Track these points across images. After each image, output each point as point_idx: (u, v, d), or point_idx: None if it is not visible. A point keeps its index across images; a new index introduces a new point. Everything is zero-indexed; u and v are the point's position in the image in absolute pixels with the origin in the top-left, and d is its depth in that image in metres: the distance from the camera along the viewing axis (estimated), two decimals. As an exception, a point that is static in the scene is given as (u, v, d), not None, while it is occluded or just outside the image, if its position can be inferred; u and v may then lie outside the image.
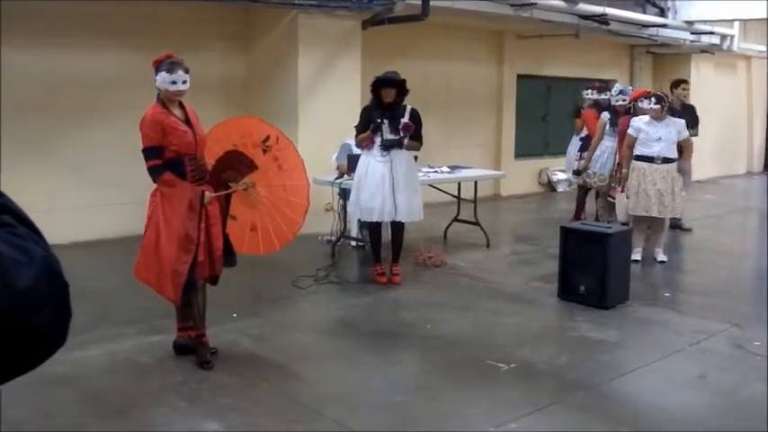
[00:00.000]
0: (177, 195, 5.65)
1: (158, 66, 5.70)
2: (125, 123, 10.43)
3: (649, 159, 9.40)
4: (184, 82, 5.71)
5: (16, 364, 1.09)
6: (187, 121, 5.78)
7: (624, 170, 9.69)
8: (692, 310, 7.90)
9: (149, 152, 5.67)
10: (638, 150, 9.50)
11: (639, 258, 9.64)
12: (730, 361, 6.42)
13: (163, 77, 5.66)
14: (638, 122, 9.58)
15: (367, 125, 8.25)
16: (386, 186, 8.22)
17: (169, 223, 5.65)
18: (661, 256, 9.84)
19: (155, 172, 5.67)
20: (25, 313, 1.03)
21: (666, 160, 9.37)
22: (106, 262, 9.35)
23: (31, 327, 1.06)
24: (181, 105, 5.85)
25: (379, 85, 8.23)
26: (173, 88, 5.68)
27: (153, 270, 5.80)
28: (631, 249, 8.86)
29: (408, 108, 8.33)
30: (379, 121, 8.17)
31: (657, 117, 9.44)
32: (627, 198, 9.57)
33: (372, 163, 8.30)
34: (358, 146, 8.57)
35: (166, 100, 5.75)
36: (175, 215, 5.64)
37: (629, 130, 9.62)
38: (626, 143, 9.69)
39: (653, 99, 9.50)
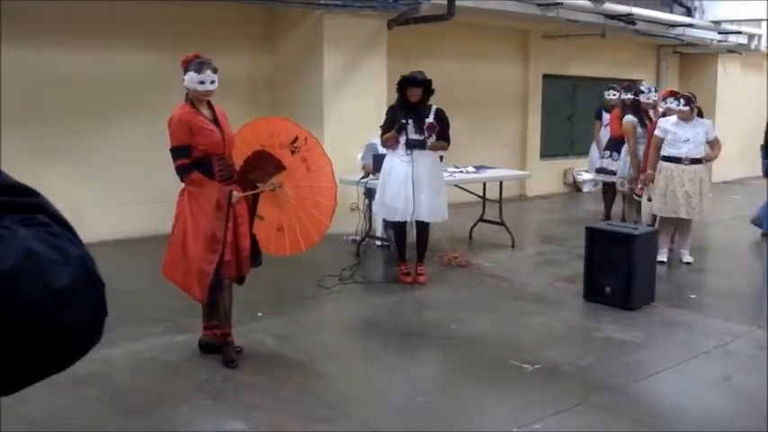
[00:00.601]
0: (205, 195, 5.68)
1: (187, 65, 5.71)
2: (151, 123, 10.51)
3: (677, 160, 9.35)
4: (212, 82, 5.72)
5: (53, 362, 1.10)
6: (215, 121, 5.79)
7: (649, 171, 9.62)
8: (718, 311, 7.86)
9: (177, 151, 5.69)
10: (665, 151, 9.44)
11: (665, 260, 9.57)
12: (755, 363, 6.36)
13: (191, 77, 5.67)
14: (666, 123, 9.52)
15: (392, 125, 8.25)
16: (408, 186, 8.22)
17: (196, 222, 5.68)
18: (687, 258, 9.78)
19: (182, 171, 5.70)
20: (62, 312, 1.05)
21: (694, 161, 9.33)
22: (132, 261, 9.41)
23: (68, 325, 1.07)
24: (209, 105, 5.87)
25: (404, 84, 8.23)
26: (201, 88, 5.68)
27: (179, 269, 5.83)
28: (657, 251, 8.81)
29: (433, 108, 8.32)
30: (403, 121, 8.17)
31: (686, 118, 9.38)
32: (649, 200, 9.53)
33: (397, 162, 8.30)
34: (383, 145, 8.58)
35: (195, 100, 5.77)
36: (202, 214, 5.67)
37: (657, 131, 9.56)
38: (653, 144, 9.62)
39: (681, 100, 9.44)
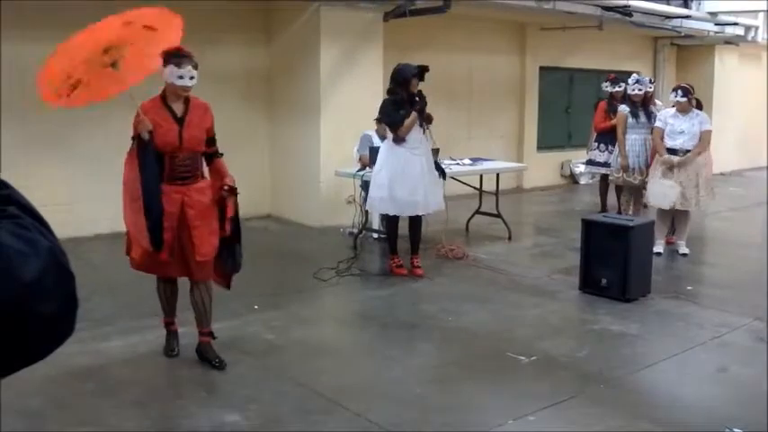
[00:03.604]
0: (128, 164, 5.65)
1: (167, 58, 5.55)
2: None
3: (672, 152, 9.43)
4: (192, 78, 5.58)
5: (24, 354, 1.10)
6: (181, 119, 5.65)
7: (664, 157, 9.58)
8: (714, 303, 7.87)
9: (133, 139, 5.68)
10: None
11: (661, 251, 9.59)
12: (751, 354, 6.39)
13: (171, 71, 5.54)
14: (665, 115, 9.62)
15: (397, 116, 8.16)
16: (424, 178, 8.23)
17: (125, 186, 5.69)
18: (683, 249, 9.81)
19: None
20: (32, 304, 1.05)
21: (689, 152, 9.37)
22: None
23: (38, 318, 1.07)
24: (186, 100, 5.72)
25: (412, 75, 8.15)
26: (179, 83, 5.56)
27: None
28: (653, 242, 8.81)
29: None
30: (417, 105, 8.11)
31: (683, 110, 9.45)
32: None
33: (408, 156, 8.24)
34: (400, 135, 8.25)
35: (170, 94, 5.66)
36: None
37: (657, 123, 9.68)
38: (655, 134, 9.71)
39: (679, 92, 9.48)
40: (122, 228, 10.16)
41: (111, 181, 10.45)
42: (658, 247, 9.49)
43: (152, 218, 5.45)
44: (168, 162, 5.62)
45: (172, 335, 6.12)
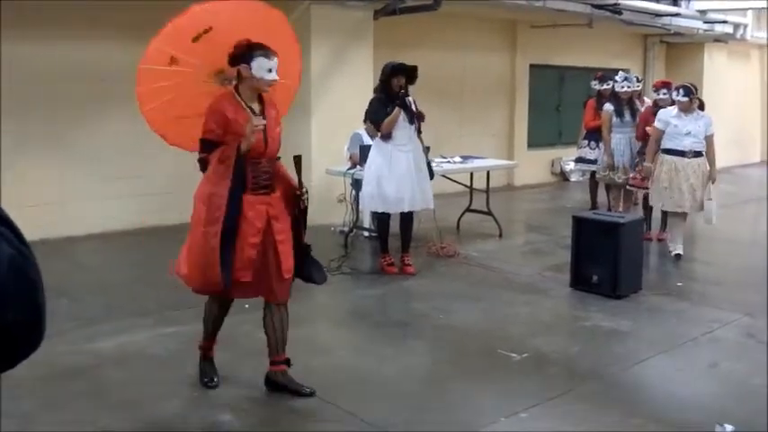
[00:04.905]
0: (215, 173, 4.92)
1: (250, 51, 4.94)
2: (137, 116, 10.45)
3: (681, 153, 9.15)
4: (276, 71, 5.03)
5: None
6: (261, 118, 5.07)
7: (647, 164, 9.44)
8: (705, 299, 7.90)
9: (203, 144, 5.00)
10: (666, 144, 9.22)
11: (681, 252, 9.48)
12: (742, 350, 6.41)
13: (260, 64, 4.92)
14: (666, 115, 9.31)
15: (381, 113, 8.17)
16: (412, 175, 8.23)
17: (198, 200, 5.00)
18: (678, 250, 9.55)
19: (202, 164, 5.04)
20: None
21: (697, 154, 9.15)
22: (118, 253, 9.40)
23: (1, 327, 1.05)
24: (260, 98, 5.14)
25: (395, 72, 8.15)
26: (269, 77, 4.96)
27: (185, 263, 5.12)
28: (643, 240, 8.80)
29: (411, 98, 8.31)
30: (398, 101, 8.09)
31: (685, 109, 9.17)
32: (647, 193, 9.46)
33: (395, 153, 8.26)
34: (383, 131, 8.26)
35: (248, 90, 5.05)
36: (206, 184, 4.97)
37: (657, 123, 9.35)
38: (653, 136, 9.40)
39: (681, 91, 9.21)
40: (118, 227, 10.15)
41: (101, 180, 10.52)
42: (679, 249, 9.45)
43: (226, 251, 4.87)
44: (251, 170, 4.99)
45: (209, 362, 5.53)
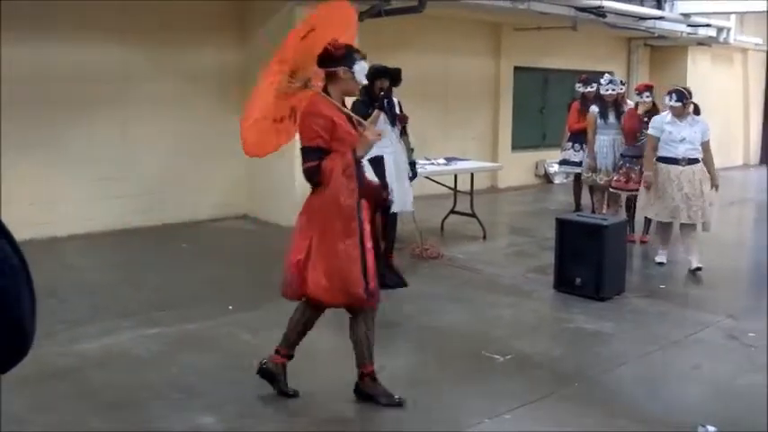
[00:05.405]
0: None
1: (351, 54, 4.83)
2: (125, 118, 10.46)
3: (674, 161, 8.81)
4: None
5: None
6: (352, 122, 4.97)
7: (646, 173, 9.00)
8: (688, 301, 7.95)
9: (309, 153, 4.83)
10: (660, 151, 8.90)
11: (665, 261, 9.37)
12: (725, 352, 6.44)
13: (362, 67, 4.85)
14: (660, 121, 8.95)
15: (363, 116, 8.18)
16: (393, 177, 8.23)
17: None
18: (695, 263, 9.07)
19: (312, 174, 4.91)
20: None
21: (692, 161, 8.80)
22: (102, 254, 9.36)
23: None
24: (343, 99, 5.04)
25: (375, 75, 8.15)
26: (364, 81, 4.96)
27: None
28: (626, 243, 8.82)
29: (396, 100, 8.33)
30: (378, 103, 8.09)
31: (679, 115, 8.78)
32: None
33: (375, 154, 8.25)
34: None
35: (344, 93, 4.98)
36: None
37: (651, 130, 8.99)
38: (649, 144, 9.05)
39: (674, 95, 8.81)
40: (102, 227, 10.10)
41: (86, 181, 10.47)
42: (661, 258, 9.35)
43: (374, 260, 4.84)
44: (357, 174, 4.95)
45: (284, 369, 5.35)
